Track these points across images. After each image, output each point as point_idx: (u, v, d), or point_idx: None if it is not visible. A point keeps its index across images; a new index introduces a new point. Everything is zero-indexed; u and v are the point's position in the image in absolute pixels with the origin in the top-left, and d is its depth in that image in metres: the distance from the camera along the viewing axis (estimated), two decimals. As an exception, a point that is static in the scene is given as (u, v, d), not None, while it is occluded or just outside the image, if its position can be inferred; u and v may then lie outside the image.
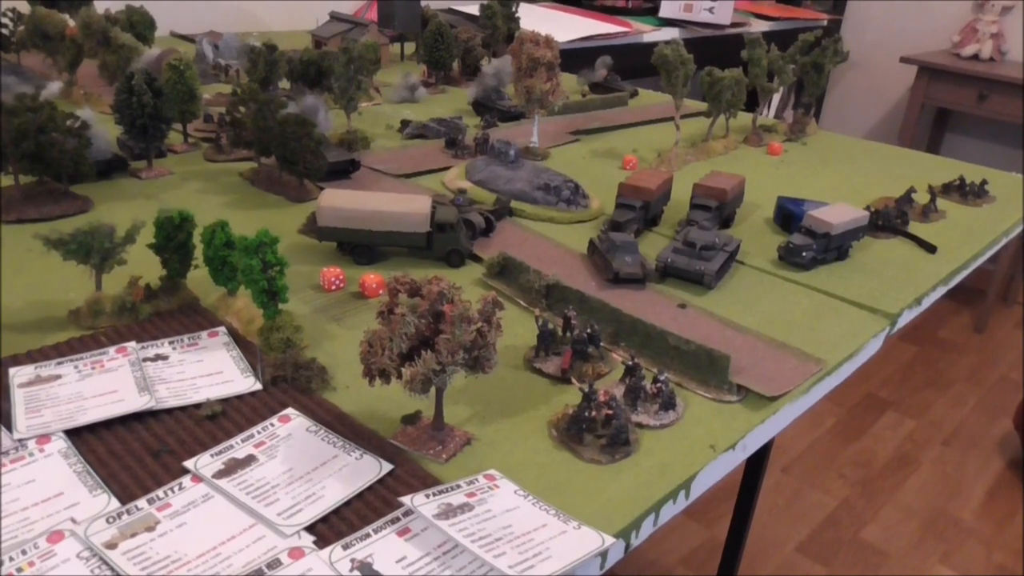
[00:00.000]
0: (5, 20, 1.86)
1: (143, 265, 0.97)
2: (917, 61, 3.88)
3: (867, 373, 3.54)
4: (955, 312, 4.19)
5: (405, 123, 1.76)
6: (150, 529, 0.65)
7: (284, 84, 1.76)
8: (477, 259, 1.18)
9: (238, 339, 0.93)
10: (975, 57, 3.96)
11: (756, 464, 2.11)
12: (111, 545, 0.63)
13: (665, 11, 3.28)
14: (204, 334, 0.93)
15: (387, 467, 0.74)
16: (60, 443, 0.74)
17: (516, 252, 1.14)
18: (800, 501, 2.77)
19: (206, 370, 0.87)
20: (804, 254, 1.21)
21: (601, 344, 0.95)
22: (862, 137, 2.58)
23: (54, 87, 1.63)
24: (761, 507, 2.59)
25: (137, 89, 1.33)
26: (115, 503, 0.68)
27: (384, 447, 0.77)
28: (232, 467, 0.73)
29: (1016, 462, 3.04)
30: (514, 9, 2.44)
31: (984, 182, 1.60)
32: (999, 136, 4.19)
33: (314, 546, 0.65)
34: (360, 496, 0.71)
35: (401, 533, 0.66)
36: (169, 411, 0.81)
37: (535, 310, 1.04)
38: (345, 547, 0.64)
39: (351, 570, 0.62)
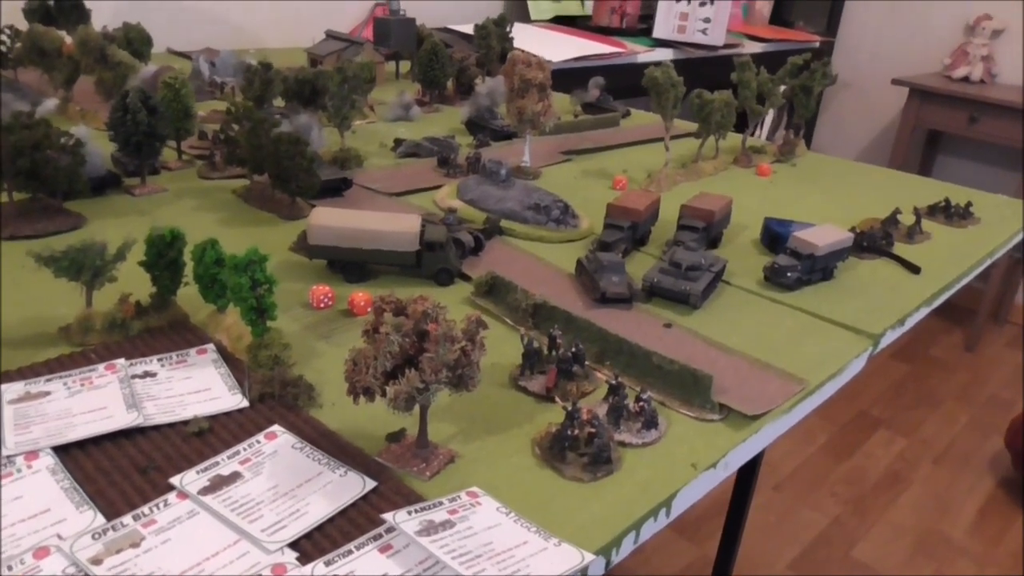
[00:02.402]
0: (2, 37, 1.88)
1: (134, 282, 0.98)
2: (908, 83, 3.92)
3: (858, 391, 3.55)
4: (946, 331, 4.21)
5: (398, 142, 1.77)
6: (135, 545, 0.66)
7: (279, 102, 1.78)
8: (466, 278, 1.19)
9: (227, 356, 0.94)
10: (966, 79, 4.00)
11: (745, 482, 2.12)
12: (96, 561, 0.64)
13: (659, 32, 3.32)
14: (192, 351, 0.94)
15: (371, 484, 0.75)
16: (48, 459, 0.75)
17: (505, 271, 1.15)
18: (791, 519, 2.78)
19: (194, 387, 0.88)
20: (789, 275, 1.23)
21: (586, 363, 0.96)
22: (855, 159, 2.61)
23: (50, 104, 1.64)
24: (753, 525, 2.60)
25: (132, 107, 1.35)
26: (101, 519, 0.69)
27: (369, 464, 0.78)
28: (217, 484, 0.74)
29: (1007, 481, 3.05)
30: (508, 29, 2.47)
31: (969, 204, 1.62)
32: (990, 158, 4.23)
33: (297, 562, 0.66)
34: (344, 513, 0.72)
35: (383, 550, 0.67)
36: (157, 428, 0.81)
37: (521, 329, 1.05)
38: (327, 563, 0.65)
39: (333, 586, 0.63)
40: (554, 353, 0.96)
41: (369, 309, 1.05)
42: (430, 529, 0.68)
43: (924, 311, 1.25)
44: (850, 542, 2.70)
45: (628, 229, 1.30)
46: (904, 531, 2.77)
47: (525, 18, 3.36)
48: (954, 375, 3.82)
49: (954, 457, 3.20)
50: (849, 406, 3.45)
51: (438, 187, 1.55)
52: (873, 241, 1.40)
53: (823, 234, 1.27)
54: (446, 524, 0.69)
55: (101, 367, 0.89)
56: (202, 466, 0.76)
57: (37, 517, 0.68)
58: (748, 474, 2.11)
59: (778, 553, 2.62)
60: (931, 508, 2.89)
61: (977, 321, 4.01)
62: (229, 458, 0.77)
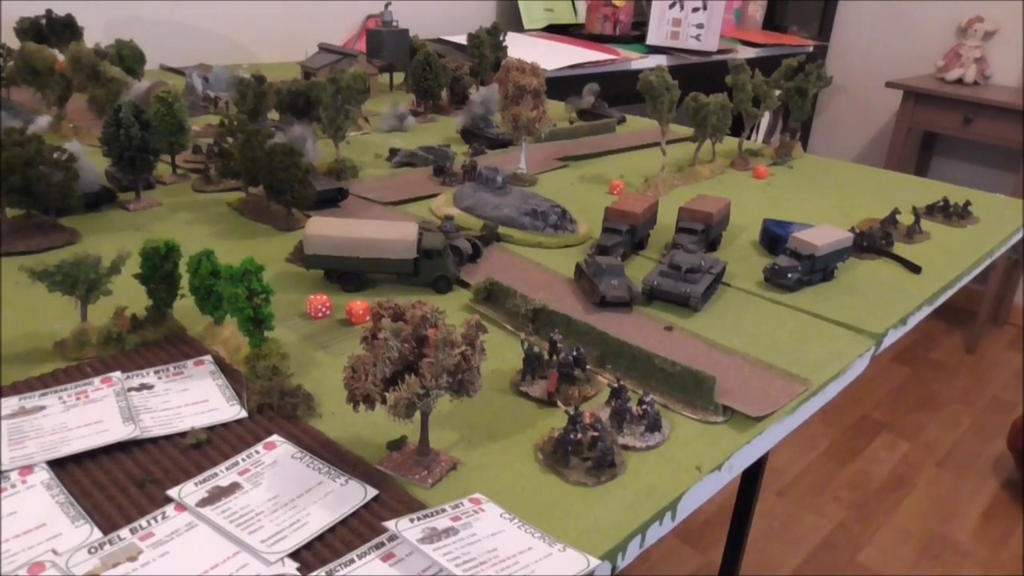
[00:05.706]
0: (-5, 56, 1.87)
1: (129, 295, 0.97)
2: (902, 86, 3.93)
3: (860, 395, 3.54)
4: (947, 333, 4.20)
5: (394, 151, 1.77)
6: (132, 559, 0.65)
7: (273, 115, 1.78)
8: (464, 285, 1.18)
9: (224, 367, 0.93)
10: (959, 81, 4.01)
11: (750, 487, 2.10)
12: (93, 576, 0.63)
13: (652, 38, 3.32)
14: (190, 363, 0.93)
15: (372, 492, 0.74)
16: (43, 474, 0.74)
17: (504, 277, 1.15)
18: (796, 524, 2.76)
19: (191, 399, 0.87)
20: (789, 276, 1.22)
21: (587, 367, 0.95)
22: (850, 161, 2.61)
23: (43, 121, 1.64)
24: (757, 531, 2.58)
25: (125, 122, 1.34)
26: (98, 533, 0.67)
27: (370, 473, 0.77)
28: (216, 495, 0.72)
29: (1010, 483, 3.04)
30: (501, 38, 2.47)
31: (967, 203, 1.62)
32: (985, 158, 4.23)
33: (298, 573, 0.64)
34: (345, 522, 0.70)
35: (385, 558, 0.66)
36: (154, 440, 0.80)
37: (521, 334, 1.04)
38: (329, 573, 0.64)
39: (335, 597, 0.62)
40: (555, 357, 0.95)
41: (368, 318, 1.05)
42: (433, 536, 0.67)
43: (926, 310, 1.25)
44: (855, 547, 2.68)
45: (626, 233, 1.29)
46: (909, 535, 2.75)
47: (518, 27, 3.36)
48: (955, 377, 3.81)
49: (957, 460, 3.18)
50: (851, 410, 3.44)
51: (434, 196, 1.54)
52: (873, 241, 1.39)
53: (823, 234, 1.26)
54: (449, 531, 0.68)
55: (97, 380, 0.88)
56: (200, 478, 0.74)
57: (32, 532, 0.67)
58: (752, 480, 2.10)
59: (783, 559, 2.60)
60: (935, 512, 2.88)
61: (977, 323, 4.01)
62: (228, 469, 0.76)
